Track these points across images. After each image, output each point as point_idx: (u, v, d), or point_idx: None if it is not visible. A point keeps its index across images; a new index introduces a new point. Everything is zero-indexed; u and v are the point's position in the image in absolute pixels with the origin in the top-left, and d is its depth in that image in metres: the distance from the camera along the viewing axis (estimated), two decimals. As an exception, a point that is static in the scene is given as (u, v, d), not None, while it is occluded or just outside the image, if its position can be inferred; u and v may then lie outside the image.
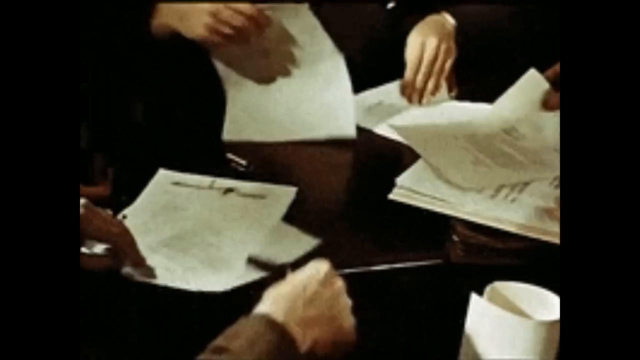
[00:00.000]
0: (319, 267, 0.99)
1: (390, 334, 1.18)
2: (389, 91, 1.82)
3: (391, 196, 1.37)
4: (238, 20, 1.52)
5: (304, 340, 0.90)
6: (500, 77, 1.73)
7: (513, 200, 1.37)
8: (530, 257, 1.25)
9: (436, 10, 1.82)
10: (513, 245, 1.26)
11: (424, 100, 1.79)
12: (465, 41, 1.81)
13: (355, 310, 1.13)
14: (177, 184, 1.42)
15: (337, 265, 1.22)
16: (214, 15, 1.52)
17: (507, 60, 1.83)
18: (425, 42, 1.75)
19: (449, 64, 1.78)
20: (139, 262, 1.15)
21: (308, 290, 0.95)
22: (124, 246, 1.14)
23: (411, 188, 1.38)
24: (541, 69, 1.64)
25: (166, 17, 1.56)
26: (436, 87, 1.78)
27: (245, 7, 1.52)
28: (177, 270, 1.18)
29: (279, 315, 0.90)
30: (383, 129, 1.70)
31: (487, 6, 1.83)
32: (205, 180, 1.44)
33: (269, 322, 0.89)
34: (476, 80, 1.87)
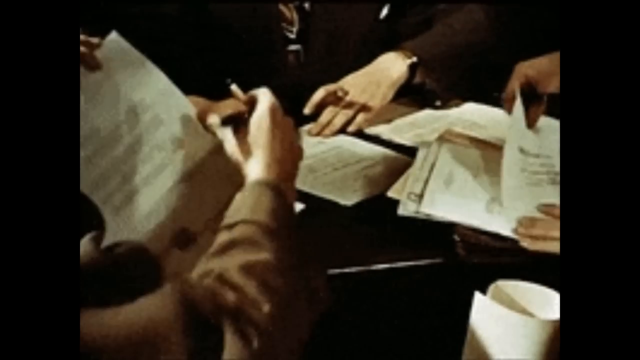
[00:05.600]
0: (264, 115, 1.07)
1: (391, 334, 1.18)
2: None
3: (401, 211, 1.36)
4: None
5: (287, 185, 1.03)
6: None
7: None
8: (532, 255, 1.25)
9: (400, 46, 1.79)
10: (514, 244, 1.26)
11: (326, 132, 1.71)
12: (445, 66, 1.80)
13: (355, 310, 1.14)
14: None
15: (337, 265, 1.23)
16: None
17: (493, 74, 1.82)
18: (344, 83, 1.73)
19: (360, 117, 1.72)
20: None
21: (270, 143, 1.04)
22: None
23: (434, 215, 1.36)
24: None
25: None
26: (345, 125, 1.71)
27: None
28: None
29: (263, 174, 1.01)
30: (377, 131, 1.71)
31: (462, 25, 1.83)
32: None
33: (259, 185, 1.00)
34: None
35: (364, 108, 1.72)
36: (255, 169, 1.02)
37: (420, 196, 1.37)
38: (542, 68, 1.47)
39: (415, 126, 1.74)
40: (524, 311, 1.04)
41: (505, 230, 1.29)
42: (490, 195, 1.38)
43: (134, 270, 0.86)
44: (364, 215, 1.38)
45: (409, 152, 1.56)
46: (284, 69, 1.80)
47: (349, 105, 1.72)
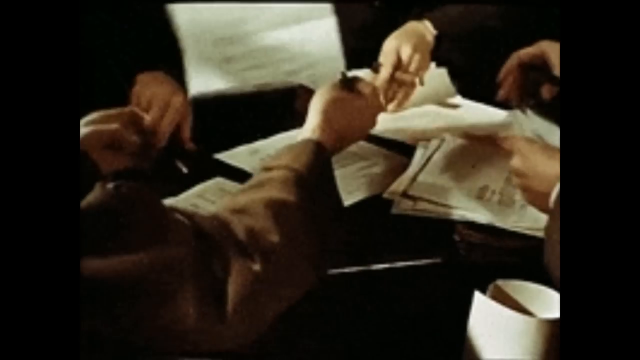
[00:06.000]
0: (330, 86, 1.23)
1: (390, 333, 1.18)
2: None
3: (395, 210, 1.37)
4: None
5: (334, 147, 1.15)
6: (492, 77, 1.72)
7: (522, 206, 1.34)
8: (532, 254, 1.25)
9: (418, 16, 1.79)
10: (514, 243, 1.27)
11: (391, 108, 1.74)
12: (452, 46, 1.78)
13: (355, 310, 1.13)
14: None
15: (336, 264, 1.23)
16: None
17: (497, 60, 1.81)
18: (400, 50, 1.71)
19: (421, 75, 1.73)
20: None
21: (326, 111, 1.18)
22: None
23: (422, 197, 1.37)
24: None
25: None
26: (406, 98, 1.74)
27: None
28: None
29: (320, 135, 1.13)
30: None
31: (472, 6, 1.81)
32: None
33: (306, 141, 1.11)
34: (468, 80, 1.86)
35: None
36: (307, 127, 1.15)
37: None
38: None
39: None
40: (523, 311, 1.04)
41: (492, 217, 1.30)
42: (484, 183, 1.38)
43: (139, 208, 0.88)
44: (363, 215, 1.38)
45: (409, 153, 1.56)
46: None
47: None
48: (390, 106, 1.74)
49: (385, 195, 1.40)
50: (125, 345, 0.85)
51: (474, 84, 1.83)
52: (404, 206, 1.36)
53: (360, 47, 1.78)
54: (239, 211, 0.97)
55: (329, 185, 1.09)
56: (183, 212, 0.94)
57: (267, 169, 1.07)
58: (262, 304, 0.94)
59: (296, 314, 1.17)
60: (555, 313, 1.03)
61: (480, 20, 1.78)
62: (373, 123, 1.28)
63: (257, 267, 0.92)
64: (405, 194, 1.39)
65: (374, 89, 1.29)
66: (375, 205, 1.39)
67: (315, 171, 1.06)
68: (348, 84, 1.27)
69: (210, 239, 0.92)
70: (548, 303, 1.05)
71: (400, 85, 1.72)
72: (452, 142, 1.56)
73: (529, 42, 1.52)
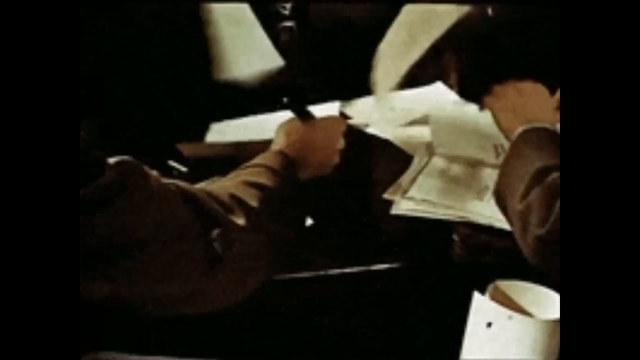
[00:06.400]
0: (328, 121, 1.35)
1: (390, 333, 1.18)
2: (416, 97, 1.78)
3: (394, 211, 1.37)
4: None
5: (299, 164, 1.24)
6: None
7: None
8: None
9: None
10: (514, 243, 1.26)
11: None
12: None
13: (355, 310, 1.13)
14: None
15: (336, 264, 1.23)
16: None
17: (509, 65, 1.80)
18: None
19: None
20: None
21: (311, 133, 1.30)
22: None
23: (422, 199, 1.38)
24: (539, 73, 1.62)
25: None
26: None
27: None
28: None
29: (284, 147, 1.25)
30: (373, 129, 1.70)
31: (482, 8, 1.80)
32: None
33: (277, 151, 1.23)
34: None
35: None
36: (274, 145, 1.27)
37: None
38: None
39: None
40: (523, 311, 1.04)
41: (492, 217, 1.30)
42: (484, 183, 1.38)
43: (135, 178, 0.93)
44: (363, 215, 1.38)
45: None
46: (276, 46, 1.79)
47: None
48: None
49: (385, 195, 1.40)
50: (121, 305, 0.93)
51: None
52: (404, 206, 1.36)
53: (362, 46, 1.78)
54: (220, 187, 1.08)
55: (294, 186, 1.18)
56: (171, 183, 1.01)
57: (241, 168, 1.16)
58: (248, 266, 1.02)
59: (296, 313, 1.17)
60: (554, 313, 1.03)
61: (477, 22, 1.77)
62: (336, 144, 1.33)
63: (241, 221, 1.02)
64: (405, 194, 1.39)
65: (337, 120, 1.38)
66: (375, 205, 1.39)
67: (282, 166, 1.17)
68: (299, 111, 1.34)
69: (198, 201, 0.99)
70: (547, 303, 1.05)
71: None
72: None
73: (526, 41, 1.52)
